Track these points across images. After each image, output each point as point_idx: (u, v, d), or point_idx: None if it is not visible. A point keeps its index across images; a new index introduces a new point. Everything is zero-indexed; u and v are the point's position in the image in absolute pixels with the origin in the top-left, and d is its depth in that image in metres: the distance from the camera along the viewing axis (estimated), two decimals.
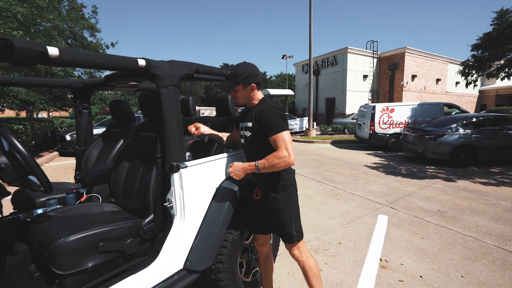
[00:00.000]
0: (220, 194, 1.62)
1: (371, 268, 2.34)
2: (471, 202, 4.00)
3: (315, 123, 16.33)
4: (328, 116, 19.98)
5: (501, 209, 3.71)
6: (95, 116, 21.77)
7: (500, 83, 21.72)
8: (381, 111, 9.03)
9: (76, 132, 2.35)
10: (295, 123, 15.63)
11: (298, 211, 1.58)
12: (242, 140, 1.61)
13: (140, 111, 2.99)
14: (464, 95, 22.04)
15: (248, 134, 1.53)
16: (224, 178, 1.70)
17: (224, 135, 1.81)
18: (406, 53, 17.61)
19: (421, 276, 2.22)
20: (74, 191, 1.85)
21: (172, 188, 1.43)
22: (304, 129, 15.09)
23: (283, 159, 1.35)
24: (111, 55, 1.25)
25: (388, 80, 18.74)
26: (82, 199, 1.81)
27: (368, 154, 8.61)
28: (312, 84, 13.45)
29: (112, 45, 14.67)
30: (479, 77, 8.84)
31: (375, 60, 19.23)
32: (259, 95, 1.56)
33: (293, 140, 11.46)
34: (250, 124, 1.51)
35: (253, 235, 1.78)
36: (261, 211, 1.59)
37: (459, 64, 12.72)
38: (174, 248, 1.44)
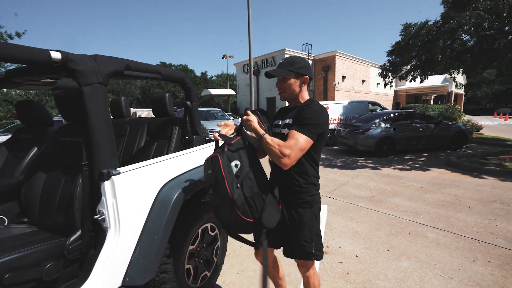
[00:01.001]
0: (161, 200, 1.51)
1: None
2: (392, 186, 4.66)
3: None
4: (270, 115, 20.73)
5: (413, 189, 4.42)
6: None
7: (409, 85, 25.90)
8: None
9: None
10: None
11: (320, 230, 1.42)
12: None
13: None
14: (383, 94, 25.58)
15: (286, 132, 1.33)
16: (164, 182, 1.59)
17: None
18: (336, 56, 19.48)
19: (356, 256, 2.47)
20: None
21: (103, 198, 1.26)
22: None
23: (282, 153, 1.19)
24: (13, 44, 1.03)
25: (322, 81, 20.44)
26: None
27: None
28: (253, 84, 13.77)
29: (18, 35, 12.32)
30: (394, 79, 10.32)
31: (310, 61, 20.75)
32: (306, 94, 1.43)
33: None
34: (290, 121, 1.35)
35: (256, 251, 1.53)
36: (277, 224, 1.32)
37: (378, 67, 14.65)
38: (109, 265, 1.28)
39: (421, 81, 9.52)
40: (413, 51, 8.64)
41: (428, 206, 3.64)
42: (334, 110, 9.99)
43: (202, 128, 2.53)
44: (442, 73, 9.63)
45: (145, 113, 20.32)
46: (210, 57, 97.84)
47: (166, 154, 1.92)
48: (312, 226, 1.35)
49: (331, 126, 9.84)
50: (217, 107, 30.85)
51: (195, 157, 1.90)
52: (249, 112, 1.35)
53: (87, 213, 1.31)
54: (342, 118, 10.01)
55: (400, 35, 8.98)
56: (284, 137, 1.30)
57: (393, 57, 9.53)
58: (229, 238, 2.07)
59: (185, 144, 2.19)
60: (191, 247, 1.76)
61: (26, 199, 1.52)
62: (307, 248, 1.34)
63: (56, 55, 1.14)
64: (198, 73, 38.19)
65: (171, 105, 2.26)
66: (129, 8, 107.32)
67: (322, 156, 7.80)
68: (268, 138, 1.24)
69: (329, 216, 3.42)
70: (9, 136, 2.19)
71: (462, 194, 4.08)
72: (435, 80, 24.12)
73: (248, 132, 1.41)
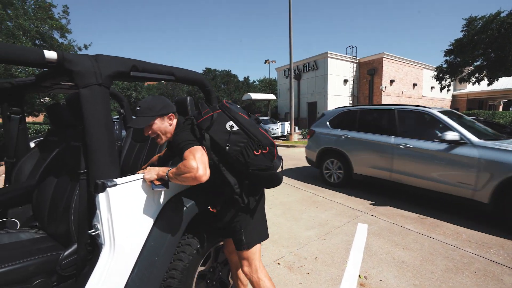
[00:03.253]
0: (165, 215, 1.34)
1: (350, 287, 2.12)
2: (451, 206, 3.94)
3: (296, 128, 16.32)
4: (310, 120, 20.09)
5: (479, 212, 3.66)
6: None
7: (471, 88, 22.88)
8: None
9: (5, 140, 1.98)
10: (277, 128, 15.54)
11: (251, 219, 1.45)
12: None
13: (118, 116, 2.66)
14: (439, 99, 22.97)
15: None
16: (171, 195, 1.42)
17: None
18: (384, 59, 18.10)
19: None
20: None
21: (98, 211, 1.14)
22: (286, 133, 15.01)
23: (192, 171, 1.16)
24: (5, 44, 0.96)
25: (367, 85, 19.15)
26: None
27: None
28: (294, 89, 13.44)
29: (85, 47, 13.96)
30: (452, 82, 9.08)
31: (355, 65, 19.62)
32: (172, 127, 1.43)
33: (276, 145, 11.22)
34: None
35: (223, 242, 1.68)
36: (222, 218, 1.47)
37: (433, 70, 13.13)
38: (102, 286, 1.14)
39: (489, 84, 8.19)
40: (478, 48, 7.46)
41: (502, 237, 2.93)
42: None
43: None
44: None
45: None
46: (252, 62, 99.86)
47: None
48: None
49: None
50: (258, 112, 31.08)
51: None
52: (144, 169, 1.37)
53: (83, 225, 1.20)
54: None
55: (462, 30, 7.83)
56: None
57: (452, 56, 8.39)
58: None
59: None
60: (201, 268, 1.57)
61: (37, 203, 1.49)
62: (237, 234, 1.41)
63: (51, 55, 1.05)
64: (241, 78, 39.07)
65: (192, 109, 2.14)
66: (177, 19, 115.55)
67: None
68: (173, 170, 1.23)
69: (369, 238, 2.96)
70: None
71: None
72: (506, 83, 20.86)
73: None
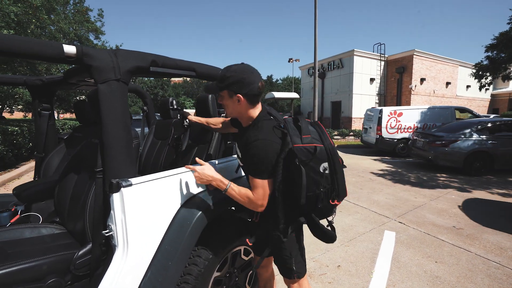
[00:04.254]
0: (181, 218, 1.29)
1: None
2: (489, 214, 3.56)
3: None
4: (334, 119, 19.52)
5: None
6: None
7: None
8: (388, 115, 8.60)
9: (35, 136, 2.06)
10: None
11: (301, 245, 1.33)
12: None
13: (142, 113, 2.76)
14: (475, 99, 21.29)
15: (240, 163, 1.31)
16: (189, 197, 1.37)
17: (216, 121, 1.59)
18: (414, 56, 17.08)
19: None
20: (14, 208, 1.55)
21: (112, 212, 1.11)
22: None
23: (253, 204, 1.14)
24: (24, 37, 0.94)
25: (395, 84, 18.20)
26: (13, 220, 1.49)
27: (375, 160, 8.17)
28: (318, 87, 13.08)
29: (117, 47, 14.67)
30: (494, 80, 8.32)
31: (383, 63, 18.72)
32: (253, 111, 1.18)
33: None
34: (238, 152, 1.28)
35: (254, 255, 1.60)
36: (259, 234, 1.35)
37: (470, 67, 12.16)
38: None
39: None
40: None
41: None
42: (409, 116, 8.62)
43: None
44: None
45: None
46: (275, 60, 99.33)
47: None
48: (288, 241, 1.25)
49: (405, 135, 8.49)
50: (281, 110, 30.82)
51: (230, 167, 1.65)
52: (198, 161, 1.27)
53: (99, 225, 1.18)
54: (419, 126, 8.55)
55: (509, 22, 7.08)
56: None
57: (495, 52, 7.65)
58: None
59: (225, 151, 1.97)
60: (217, 274, 1.50)
61: (58, 199, 1.51)
62: (287, 263, 1.27)
63: (70, 49, 1.02)
64: (264, 77, 39.05)
65: (214, 107, 2.09)
66: (201, 18, 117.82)
67: (391, 169, 6.74)
68: (233, 191, 1.17)
69: (397, 247, 2.74)
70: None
71: None
72: None
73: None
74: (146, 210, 1.18)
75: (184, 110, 2.05)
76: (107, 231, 1.12)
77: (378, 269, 2.36)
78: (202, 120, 1.68)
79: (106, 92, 1.11)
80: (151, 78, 26.51)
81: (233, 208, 2.10)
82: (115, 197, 1.09)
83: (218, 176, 1.21)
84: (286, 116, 1.26)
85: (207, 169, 1.21)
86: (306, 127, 1.12)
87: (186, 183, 1.37)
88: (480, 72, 8.10)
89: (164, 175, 1.27)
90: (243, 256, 1.68)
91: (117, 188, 1.09)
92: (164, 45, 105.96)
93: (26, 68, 7.83)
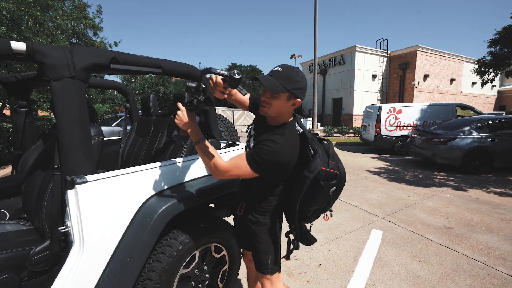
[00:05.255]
0: (142, 214, 1.28)
1: None
2: (483, 216, 3.50)
3: (319, 124, 15.83)
4: (335, 117, 19.37)
5: None
6: (104, 115, 21.84)
7: None
8: (387, 112, 8.49)
9: (12, 133, 2.07)
10: None
11: (279, 243, 1.38)
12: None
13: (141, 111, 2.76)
14: (481, 96, 20.93)
15: None
16: (152, 193, 1.36)
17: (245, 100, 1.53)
18: (418, 52, 16.82)
19: None
20: None
21: (67, 208, 1.10)
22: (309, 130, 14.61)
23: (217, 171, 1.17)
24: None
25: (398, 80, 17.97)
26: None
27: (373, 157, 8.09)
28: (319, 84, 12.99)
29: (116, 44, 14.67)
30: (497, 76, 8.14)
31: (385, 59, 18.48)
32: (288, 116, 1.23)
33: None
34: (253, 136, 1.31)
35: (242, 250, 1.62)
36: (242, 228, 1.42)
37: (475, 63, 11.94)
38: (70, 285, 1.11)
39: None
40: None
41: None
42: (409, 113, 8.49)
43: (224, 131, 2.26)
44: None
45: (240, 112, 21.32)
46: (279, 57, 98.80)
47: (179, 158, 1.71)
48: (267, 236, 1.32)
49: (404, 133, 8.38)
50: None
51: (200, 165, 1.63)
52: (179, 106, 1.21)
53: (58, 222, 1.17)
54: (418, 123, 8.43)
55: (511, 17, 6.89)
56: None
57: (498, 47, 7.46)
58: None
59: None
60: (184, 271, 1.49)
61: (25, 195, 1.51)
62: (263, 258, 1.31)
63: (18, 45, 1.01)
64: (265, 73, 38.73)
65: (155, 108, 2.08)
66: (203, 15, 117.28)
67: (388, 167, 6.67)
68: (208, 148, 1.18)
69: (382, 246, 2.71)
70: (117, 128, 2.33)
71: None
72: None
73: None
74: (104, 206, 1.17)
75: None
76: (64, 227, 1.12)
77: (359, 268, 2.33)
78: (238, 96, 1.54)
79: (60, 89, 1.09)
80: (152, 75, 26.54)
81: (211, 205, 2.11)
82: (70, 194, 1.08)
83: (196, 126, 1.20)
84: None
85: (185, 115, 1.19)
86: (333, 153, 1.22)
87: (149, 180, 1.36)
88: (483, 68, 7.92)
89: (126, 172, 1.26)
90: (213, 254, 1.67)
91: (72, 185, 1.08)
92: (163, 43, 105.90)
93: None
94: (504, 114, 11.10)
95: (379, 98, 18.67)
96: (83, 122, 1.16)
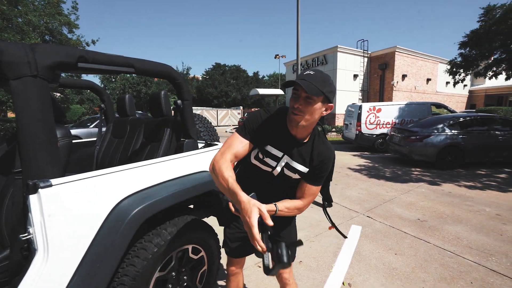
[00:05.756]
0: (113, 219, 1.24)
1: None
2: (454, 209, 3.69)
3: None
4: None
5: (485, 216, 3.41)
6: (82, 116, 20.99)
7: (489, 83, 21.75)
8: (367, 111, 8.74)
9: None
10: None
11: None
12: (266, 168, 1.23)
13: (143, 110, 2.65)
14: (454, 95, 22.01)
15: (291, 175, 1.21)
16: (124, 196, 1.32)
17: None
18: (396, 53, 17.44)
19: None
20: None
21: (29, 214, 1.05)
22: None
23: (300, 211, 1.22)
24: None
25: (378, 80, 18.55)
26: None
27: (354, 155, 8.31)
28: None
29: (93, 42, 14.14)
30: (467, 76, 8.60)
31: (366, 59, 19.02)
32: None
33: None
34: (303, 169, 1.19)
35: (231, 259, 1.49)
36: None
37: (447, 64, 12.55)
38: None
39: (507, 78, 7.67)
40: (496, 40, 6.98)
41: (507, 244, 2.70)
42: (388, 112, 8.80)
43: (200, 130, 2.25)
44: None
45: (224, 111, 21.16)
46: (263, 57, 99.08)
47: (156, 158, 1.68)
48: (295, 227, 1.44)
49: (384, 131, 8.67)
50: (267, 107, 30.84)
51: (175, 165, 1.61)
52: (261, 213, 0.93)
53: (18, 229, 1.12)
54: (397, 121, 8.75)
55: (479, 21, 7.33)
56: (285, 177, 1.23)
57: (468, 49, 7.89)
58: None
59: (178, 148, 1.93)
60: (159, 274, 1.47)
61: None
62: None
63: None
64: (250, 73, 38.71)
65: (167, 104, 2.04)
66: (186, 15, 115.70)
67: (368, 164, 6.87)
68: (286, 208, 1.14)
69: (361, 241, 2.79)
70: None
71: None
72: None
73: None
74: (71, 211, 1.13)
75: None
76: (26, 234, 1.07)
77: (339, 263, 2.39)
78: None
79: (20, 89, 1.04)
80: (133, 75, 25.80)
81: (190, 206, 2.08)
82: (32, 198, 1.03)
83: (264, 208, 0.93)
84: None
85: (262, 207, 0.93)
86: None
87: (122, 182, 1.33)
88: (454, 69, 8.35)
89: (95, 174, 1.22)
90: (191, 255, 1.65)
91: (34, 190, 1.03)
92: (149, 42, 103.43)
93: None
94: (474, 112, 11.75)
95: (361, 97, 19.18)
96: (47, 122, 1.11)
